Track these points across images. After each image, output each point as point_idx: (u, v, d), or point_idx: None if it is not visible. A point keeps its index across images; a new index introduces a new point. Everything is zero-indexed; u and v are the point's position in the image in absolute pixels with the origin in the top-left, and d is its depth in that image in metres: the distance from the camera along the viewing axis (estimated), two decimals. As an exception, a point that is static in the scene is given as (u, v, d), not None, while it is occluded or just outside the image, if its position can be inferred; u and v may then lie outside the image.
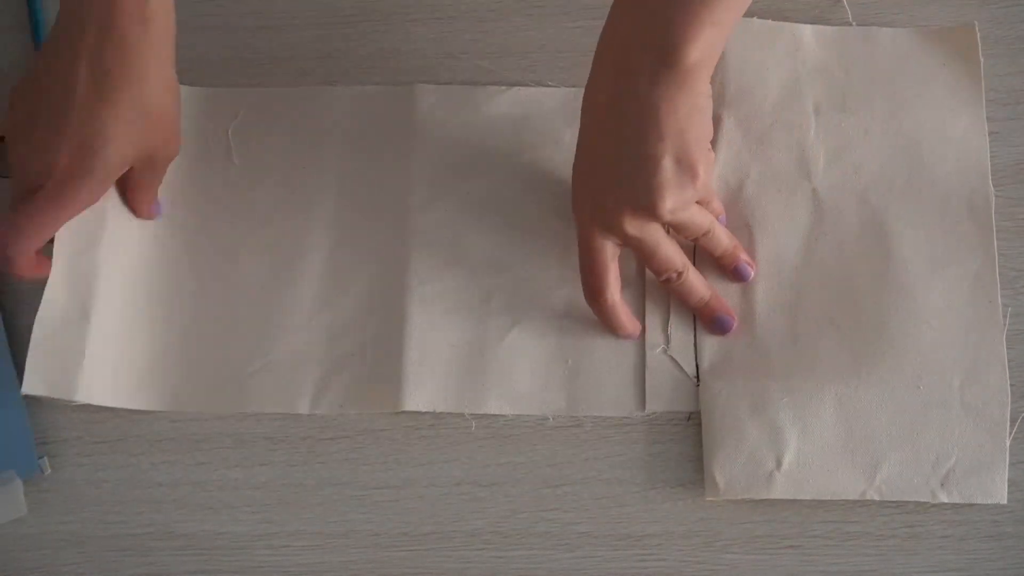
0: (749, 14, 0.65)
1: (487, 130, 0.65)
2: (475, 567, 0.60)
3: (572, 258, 0.61)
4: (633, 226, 0.57)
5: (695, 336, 0.62)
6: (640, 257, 0.60)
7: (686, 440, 0.61)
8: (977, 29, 0.65)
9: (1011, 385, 0.61)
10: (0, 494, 0.59)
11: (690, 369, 0.61)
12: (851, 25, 0.66)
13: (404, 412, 0.62)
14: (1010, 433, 0.59)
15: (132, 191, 0.61)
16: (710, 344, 0.61)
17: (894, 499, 0.59)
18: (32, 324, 0.59)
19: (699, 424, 0.61)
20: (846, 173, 0.63)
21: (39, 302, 0.61)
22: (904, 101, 0.64)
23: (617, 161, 0.56)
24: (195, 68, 0.67)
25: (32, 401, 0.62)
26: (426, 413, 0.61)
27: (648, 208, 0.56)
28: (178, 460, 0.62)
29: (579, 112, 0.57)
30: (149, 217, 0.63)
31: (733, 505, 0.60)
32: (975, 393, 0.59)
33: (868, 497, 0.59)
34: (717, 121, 0.64)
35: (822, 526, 0.60)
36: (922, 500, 0.59)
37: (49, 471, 0.61)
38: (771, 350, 0.61)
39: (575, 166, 0.59)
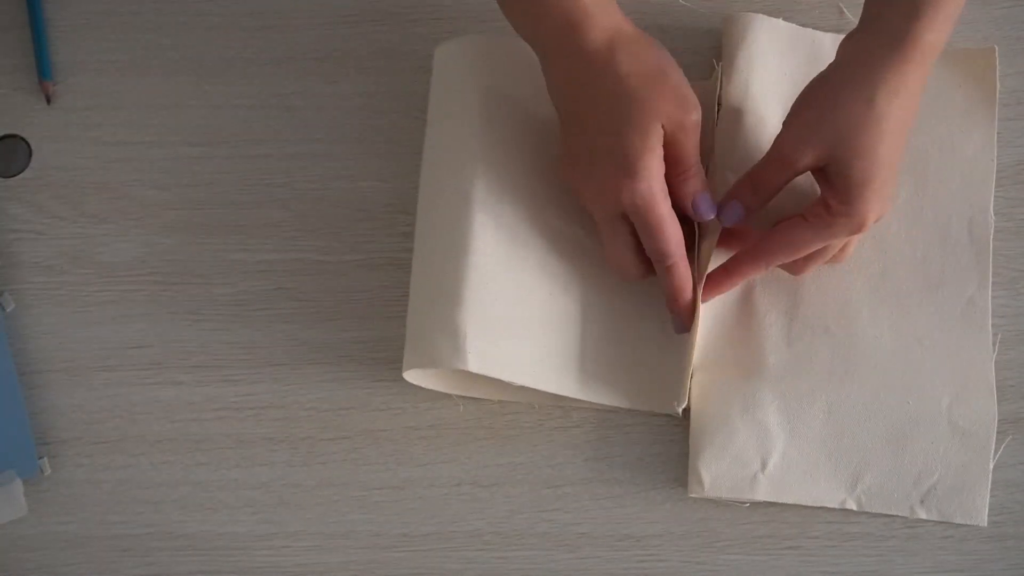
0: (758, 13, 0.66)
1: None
2: (475, 567, 0.60)
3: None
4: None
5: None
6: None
7: (686, 441, 0.61)
8: (997, 53, 0.64)
9: (1011, 386, 0.61)
10: (0, 494, 0.59)
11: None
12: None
13: (404, 412, 0.62)
14: (994, 456, 0.59)
15: (673, 172, 0.57)
16: (705, 341, 0.61)
17: (873, 511, 0.59)
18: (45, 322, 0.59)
19: (699, 424, 0.61)
20: None
21: (41, 302, 0.62)
22: (917, 118, 0.64)
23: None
24: (195, 68, 0.67)
25: (32, 401, 0.62)
26: (426, 413, 0.61)
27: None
28: (178, 460, 0.62)
29: None
30: (701, 218, 0.58)
31: (734, 505, 0.60)
32: (963, 414, 0.59)
33: (847, 507, 0.59)
34: (733, 121, 0.63)
35: (822, 527, 0.60)
36: (901, 515, 0.59)
37: (49, 471, 0.61)
38: (766, 352, 0.61)
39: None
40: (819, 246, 0.57)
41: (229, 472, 0.61)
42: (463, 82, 0.62)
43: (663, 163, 0.55)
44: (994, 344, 0.61)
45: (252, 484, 0.61)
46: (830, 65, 0.57)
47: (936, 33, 0.54)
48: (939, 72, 0.64)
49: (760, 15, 0.65)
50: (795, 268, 0.60)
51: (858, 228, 0.56)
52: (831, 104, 0.55)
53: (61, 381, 0.62)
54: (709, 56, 0.66)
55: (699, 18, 0.67)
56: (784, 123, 0.57)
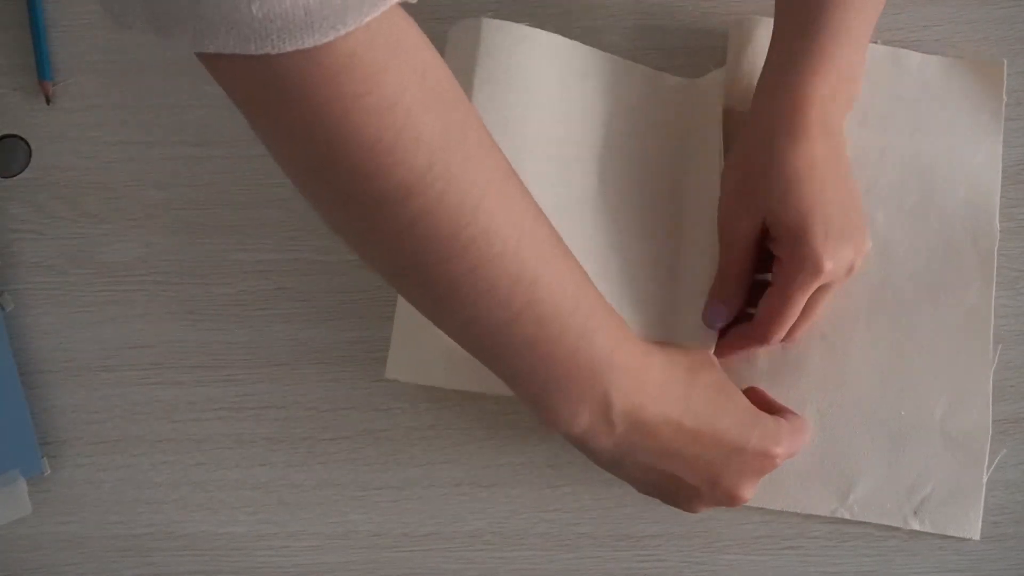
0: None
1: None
2: (475, 567, 0.60)
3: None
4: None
5: None
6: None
7: (686, 440, 0.61)
8: (1005, 67, 0.64)
9: (1011, 386, 0.61)
10: (4, 494, 0.60)
11: None
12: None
13: (404, 412, 0.62)
14: (988, 469, 0.59)
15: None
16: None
17: (866, 520, 0.59)
18: (32, 323, 0.59)
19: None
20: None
21: (41, 302, 0.62)
22: (924, 126, 0.63)
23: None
24: (195, 68, 0.66)
25: (32, 401, 0.62)
26: (426, 413, 0.61)
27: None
28: (178, 460, 0.62)
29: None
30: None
31: (733, 505, 0.60)
32: (956, 425, 0.59)
33: (839, 515, 0.59)
34: (740, 126, 0.63)
35: (822, 527, 0.60)
36: (894, 525, 0.59)
37: (49, 471, 0.61)
38: (758, 356, 0.61)
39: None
40: (800, 300, 0.55)
41: (229, 472, 0.61)
42: (465, 64, 0.61)
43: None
44: (995, 353, 0.61)
45: (252, 484, 0.61)
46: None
47: (821, 85, 0.56)
48: (947, 81, 0.64)
49: (767, 18, 0.65)
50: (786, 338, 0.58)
51: (816, 271, 0.54)
52: (736, 163, 0.58)
53: (61, 381, 0.63)
54: (709, 56, 0.65)
55: (700, 18, 0.67)
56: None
